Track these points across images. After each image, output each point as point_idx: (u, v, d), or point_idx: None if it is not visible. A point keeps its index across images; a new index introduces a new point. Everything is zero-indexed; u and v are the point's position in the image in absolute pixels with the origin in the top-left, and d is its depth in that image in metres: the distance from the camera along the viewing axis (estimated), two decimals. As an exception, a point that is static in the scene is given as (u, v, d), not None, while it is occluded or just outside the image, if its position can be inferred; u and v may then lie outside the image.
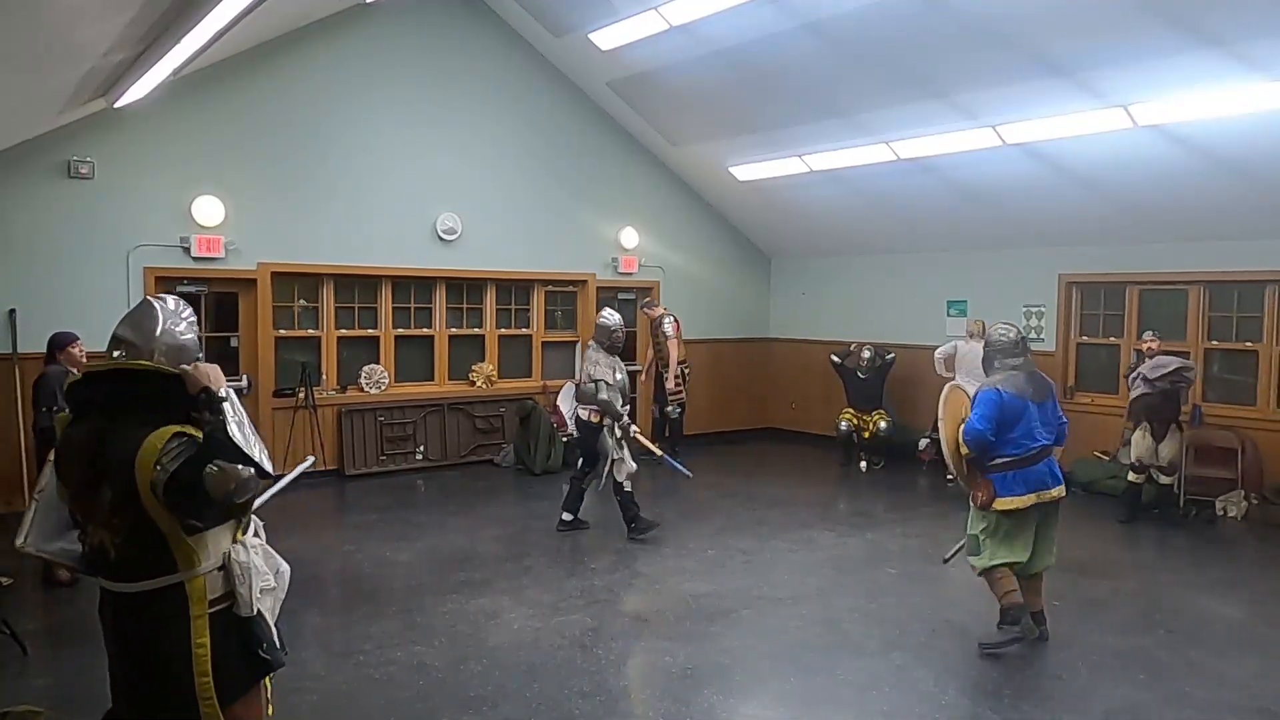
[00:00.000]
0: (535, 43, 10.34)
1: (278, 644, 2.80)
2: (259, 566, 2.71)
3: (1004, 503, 4.95)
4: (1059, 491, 5.05)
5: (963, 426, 5.00)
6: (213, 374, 2.59)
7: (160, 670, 2.56)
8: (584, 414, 7.29)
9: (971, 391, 5.24)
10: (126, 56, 6.48)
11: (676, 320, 10.75)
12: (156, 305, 2.73)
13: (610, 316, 7.37)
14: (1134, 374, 8.02)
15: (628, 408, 7.39)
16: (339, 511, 8.33)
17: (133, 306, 2.80)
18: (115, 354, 2.61)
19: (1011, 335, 5.19)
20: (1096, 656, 4.93)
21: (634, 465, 7.27)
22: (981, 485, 5.01)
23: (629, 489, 7.20)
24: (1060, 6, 6.70)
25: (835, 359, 10.74)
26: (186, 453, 2.48)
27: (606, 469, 7.29)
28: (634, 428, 7.37)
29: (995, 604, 5.15)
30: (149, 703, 2.61)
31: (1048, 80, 7.36)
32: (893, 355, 10.47)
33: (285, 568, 2.89)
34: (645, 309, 11.04)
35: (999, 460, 4.96)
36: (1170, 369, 7.70)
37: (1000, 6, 6.92)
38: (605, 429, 7.20)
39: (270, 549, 2.84)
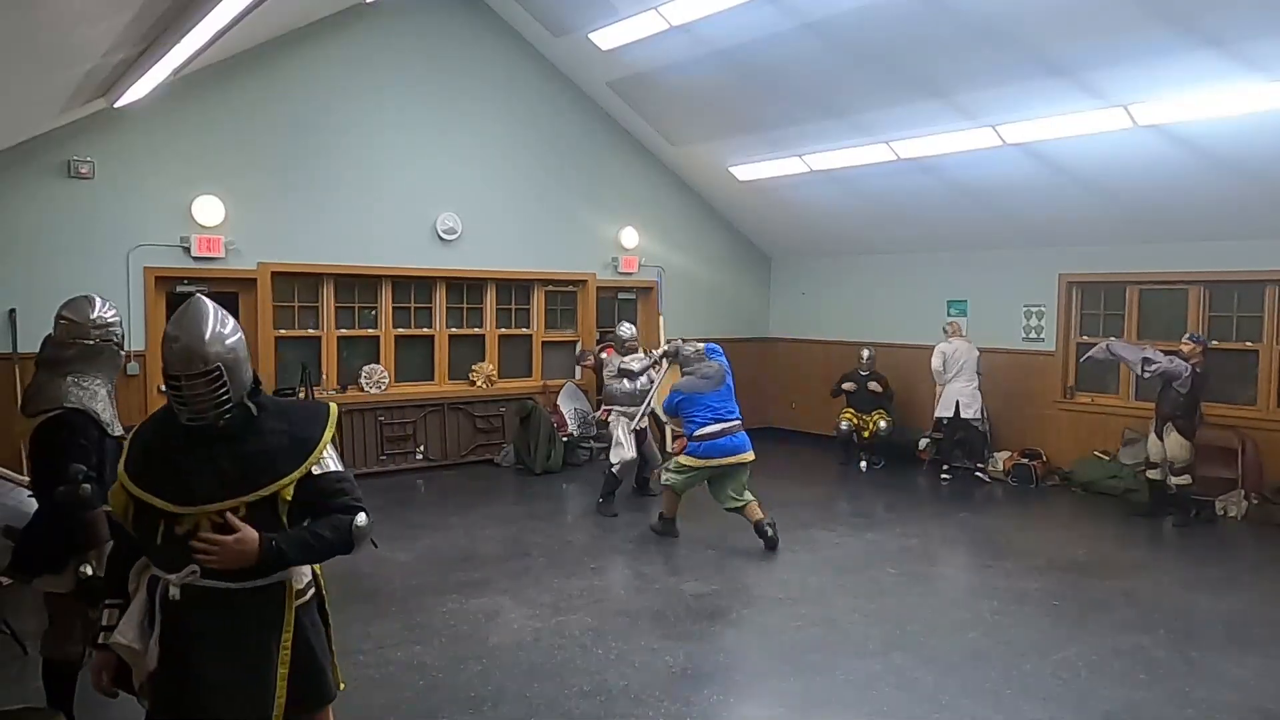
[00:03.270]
0: (535, 43, 10.34)
1: None
2: None
3: (686, 460, 7.10)
4: (738, 459, 6.99)
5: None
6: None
7: None
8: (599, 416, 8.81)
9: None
10: (126, 56, 6.48)
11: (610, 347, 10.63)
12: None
13: (625, 329, 8.82)
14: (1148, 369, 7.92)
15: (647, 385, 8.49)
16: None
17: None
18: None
19: (691, 349, 7.60)
20: (1096, 656, 4.93)
21: (631, 455, 8.25)
22: (679, 442, 7.41)
23: (616, 471, 8.17)
24: (1060, 6, 6.70)
25: (845, 387, 10.69)
26: None
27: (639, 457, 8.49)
28: (659, 365, 8.40)
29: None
30: None
31: (1048, 80, 7.36)
32: (893, 395, 10.47)
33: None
34: (582, 362, 10.85)
35: (695, 432, 7.04)
36: (1161, 367, 7.72)
37: (1000, 6, 6.92)
38: (611, 423, 8.41)
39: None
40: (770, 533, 6.91)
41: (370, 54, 9.37)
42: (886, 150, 9.05)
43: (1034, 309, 9.98)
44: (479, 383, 10.48)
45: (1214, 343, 8.46)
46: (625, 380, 8.46)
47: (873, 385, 10.39)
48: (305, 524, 2.52)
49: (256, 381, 2.57)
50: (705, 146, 10.74)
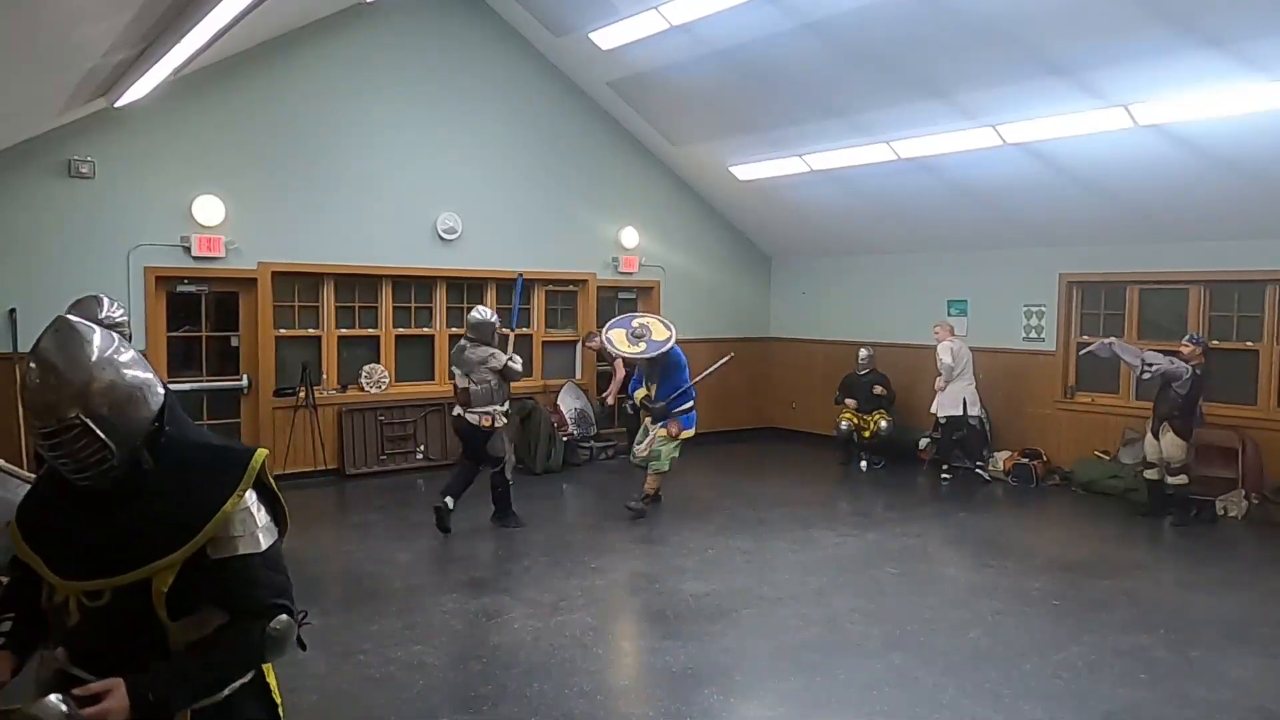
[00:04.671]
0: (535, 42, 10.34)
1: None
2: None
3: (687, 434, 8.00)
4: None
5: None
6: None
7: None
8: (474, 419, 7.31)
9: None
10: (127, 56, 6.48)
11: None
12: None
13: (482, 312, 7.51)
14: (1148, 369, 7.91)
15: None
16: (339, 511, 8.32)
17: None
18: None
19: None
20: (1096, 656, 4.93)
21: (512, 458, 7.81)
22: (672, 422, 7.88)
23: (509, 476, 7.59)
24: (1060, 6, 6.70)
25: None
26: None
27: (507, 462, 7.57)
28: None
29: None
30: None
31: (1048, 80, 7.35)
32: (894, 397, 10.47)
33: None
34: (588, 344, 10.88)
35: (686, 406, 7.92)
36: (1161, 368, 7.72)
37: (1000, 6, 6.92)
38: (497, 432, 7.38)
39: None
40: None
41: (370, 54, 9.37)
42: (886, 150, 9.05)
43: (1034, 309, 9.97)
44: (479, 383, 10.47)
45: (1214, 343, 8.45)
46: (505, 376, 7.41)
47: (877, 389, 10.39)
48: (195, 646, 1.92)
49: (160, 420, 1.93)
50: (705, 146, 10.74)
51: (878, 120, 8.80)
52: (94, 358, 1.85)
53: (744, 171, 10.70)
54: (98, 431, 1.82)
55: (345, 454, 9.49)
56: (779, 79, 8.85)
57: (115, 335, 1.96)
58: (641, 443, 8.13)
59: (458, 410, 7.40)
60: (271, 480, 2.07)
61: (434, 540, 7.17)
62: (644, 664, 4.85)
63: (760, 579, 6.28)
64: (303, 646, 2.05)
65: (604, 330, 8.52)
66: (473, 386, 7.25)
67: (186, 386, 8.82)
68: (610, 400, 10.67)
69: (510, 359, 7.40)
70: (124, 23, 5.69)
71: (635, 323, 8.32)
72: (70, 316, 1.94)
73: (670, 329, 8.17)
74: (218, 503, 1.92)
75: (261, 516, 2.00)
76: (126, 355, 1.91)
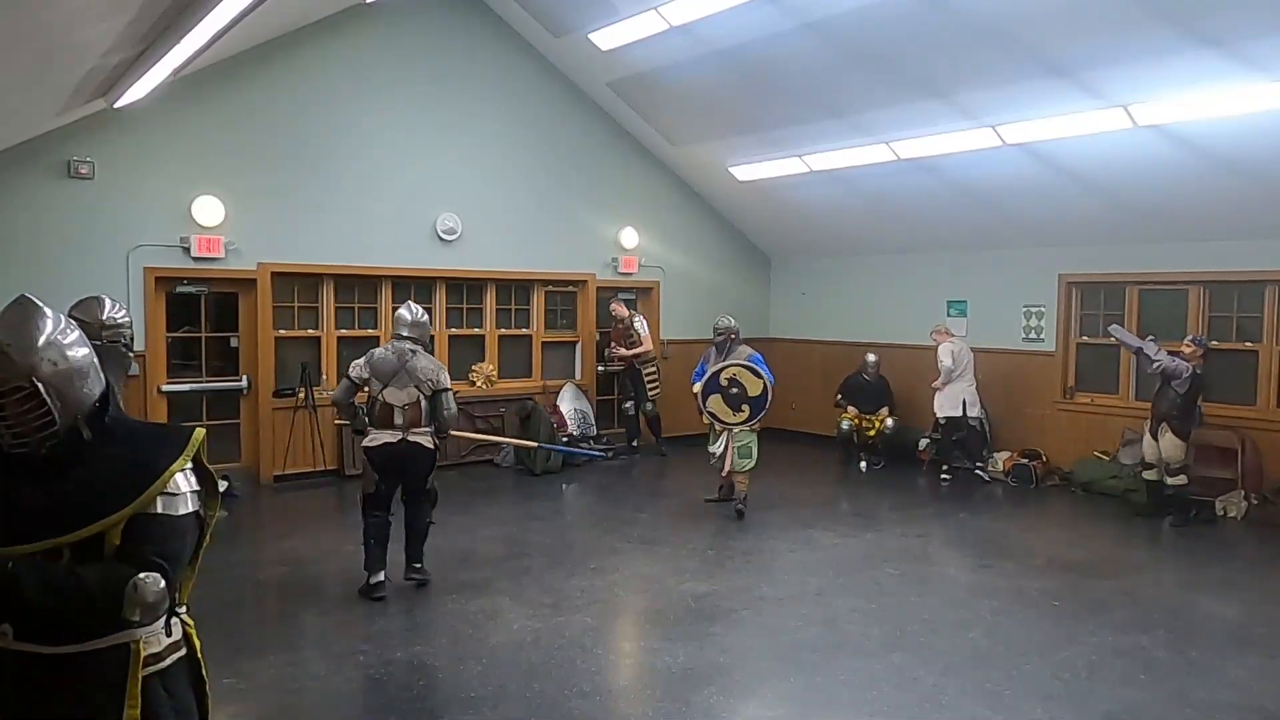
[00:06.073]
0: (535, 43, 10.34)
1: None
2: None
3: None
4: None
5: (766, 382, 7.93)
6: None
7: None
8: (426, 441, 5.88)
9: None
10: (126, 56, 6.48)
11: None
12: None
13: (417, 310, 6.23)
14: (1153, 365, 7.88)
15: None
16: (339, 511, 8.32)
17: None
18: None
19: (731, 323, 8.28)
20: (1096, 656, 4.93)
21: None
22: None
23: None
24: (1060, 6, 6.70)
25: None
26: None
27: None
28: None
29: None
30: None
31: (1048, 80, 7.36)
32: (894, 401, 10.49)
33: None
34: (612, 305, 10.94)
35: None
36: (1163, 365, 7.71)
37: (1000, 6, 6.92)
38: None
39: None
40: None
41: (370, 54, 9.37)
42: (886, 150, 9.05)
43: (1034, 309, 9.97)
44: (479, 383, 10.48)
45: (1214, 343, 8.45)
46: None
47: (882, 412, 10.33)
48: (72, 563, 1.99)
49: (105, 401, 2.11)
50: (705, 146, 10.74)
51: (878, 120, 8.80)
52: (54, 335, 2.06)
53: (744, 172, 10.70)
54: (45, 396, 1.98)
55: (345, 454, 9.46)
56: (779, 79, 8.85)
57: (64, 318, 2.14)
58: (716, 443, 8.00)
59: (395, 435, 5.74)
60: (205, 459, 2.19)
61: (433, 540, 7.14)
62: (644, 664, 4.85)
63: (760, 579, 6.28)
64: (167, 632, 2.11)
65: (702, 402, 7.90)
66: (425, 402, 5.85)
67: (186, 387, 8.82)
68: (622, 352, 10.69)
69: (453, 391, 6.11)
70: (124, 23, 5.69)
71: (723, 379, 7.85)
72: (30, 295, 2.13)
73: (759, 375, 7.85)
74: (164, 465, 2.06)
75: (186, 488, 2.11)
76: (74, 336, 2.11)
